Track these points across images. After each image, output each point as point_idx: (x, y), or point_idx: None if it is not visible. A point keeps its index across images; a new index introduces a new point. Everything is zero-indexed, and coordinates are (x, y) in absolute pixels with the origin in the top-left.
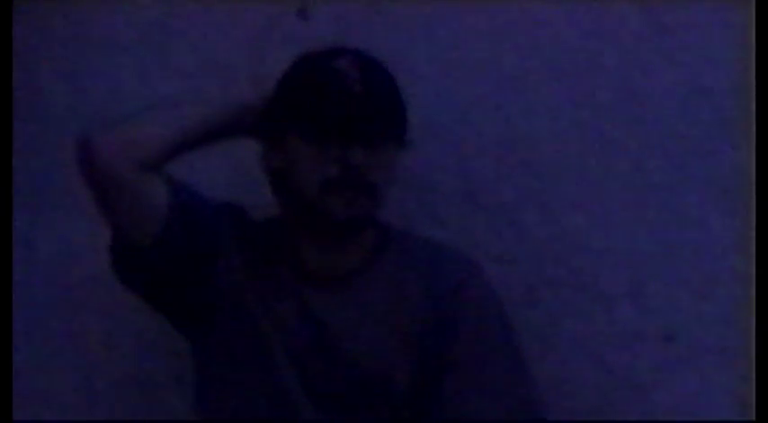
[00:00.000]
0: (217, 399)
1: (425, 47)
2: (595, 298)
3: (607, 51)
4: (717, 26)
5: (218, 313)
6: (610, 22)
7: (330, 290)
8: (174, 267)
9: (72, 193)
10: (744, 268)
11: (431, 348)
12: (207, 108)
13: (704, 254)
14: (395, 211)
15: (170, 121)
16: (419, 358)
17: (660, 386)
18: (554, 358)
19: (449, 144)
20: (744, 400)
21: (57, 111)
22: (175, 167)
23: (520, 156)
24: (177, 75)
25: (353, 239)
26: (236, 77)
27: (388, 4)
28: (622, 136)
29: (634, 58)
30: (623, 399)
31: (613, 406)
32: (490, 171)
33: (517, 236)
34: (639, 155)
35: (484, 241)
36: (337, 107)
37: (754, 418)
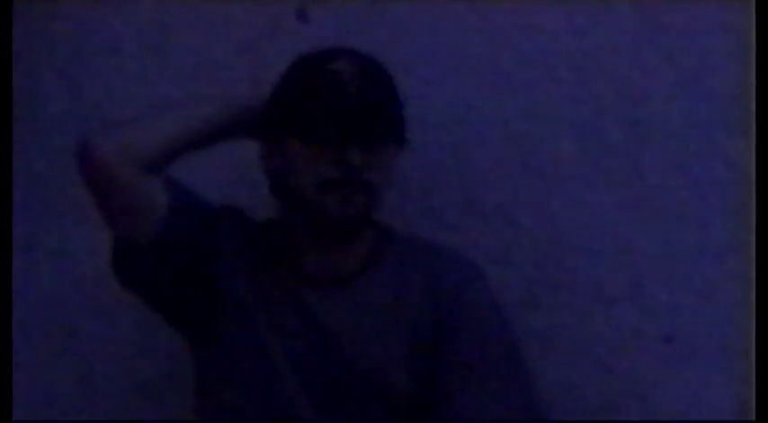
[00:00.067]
0: (216, 400)
1: (425, 48)
2: (595, 299)
3: (606, 52)
4: (716, 26)
5: (218, 315)
6: (608, 22)
7: (330, 292)
8: (173, 269)
9: (73, 195)
10: (744, 269)
11: (430, 351)
12: (206, 110)
13: (704, 255)
14: (394, 213)
15: (169, 124)
16: (418, 360)
17: (660, 387)
18: (554, 360)
19: (448, 145)
20: (744, 401)
21: (57, 112)
22: (175, 169)
23: (519, 157)
24: (177, 76)
25: (353, 241)
26: (236, 79)
27: (388, 5)
28: (621, 137)
29: (633, 58)
30: (623, 400)
31: (613, 407)
32: (489, 172)
33: (516, 237)
34: (639, 156)
35: (483, 243)
36: (335, 108)
37: (754, 418)
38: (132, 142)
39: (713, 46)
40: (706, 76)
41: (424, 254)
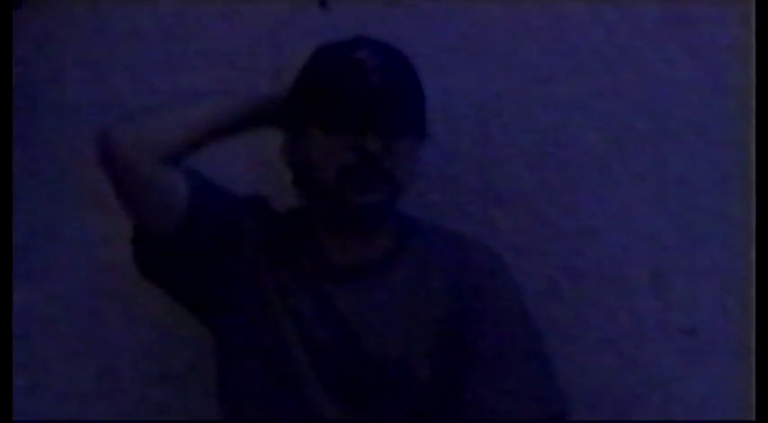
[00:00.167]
0: (236, 390)
1: (447, 39)
2: (617, 290)
3: (629, 44)
4: (739, 19)
5: (238, 306)
6: (632, 15)
7: (352, 283)
8: (194, 260)
9: (95, 185)
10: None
11: (452, 342)
12: (226, 101)
13: (726, 247)
14: (417, 204)
15: (189, 115)
16: (441, 353)
17: (681, 379)
18: (576, 351)
19: (471, 137)
20: None
21: (80, 103)
22: (197, 159)
23: (542, 148)
24: (198, 65)
25: (375, 231)
26: (257, 68)
27: None
28: (645, 129)
29: (657, 51)
30: (644, 391)
31: (635, 398)
32: (513, 164)
33: (539, 228)
34: (662, 147)
35: (506, 234)
36: (356, 97)
37: (754, 418)
38: (152, 134)
39: (737, 39)
40: (730, 68)
41: (447, 245)
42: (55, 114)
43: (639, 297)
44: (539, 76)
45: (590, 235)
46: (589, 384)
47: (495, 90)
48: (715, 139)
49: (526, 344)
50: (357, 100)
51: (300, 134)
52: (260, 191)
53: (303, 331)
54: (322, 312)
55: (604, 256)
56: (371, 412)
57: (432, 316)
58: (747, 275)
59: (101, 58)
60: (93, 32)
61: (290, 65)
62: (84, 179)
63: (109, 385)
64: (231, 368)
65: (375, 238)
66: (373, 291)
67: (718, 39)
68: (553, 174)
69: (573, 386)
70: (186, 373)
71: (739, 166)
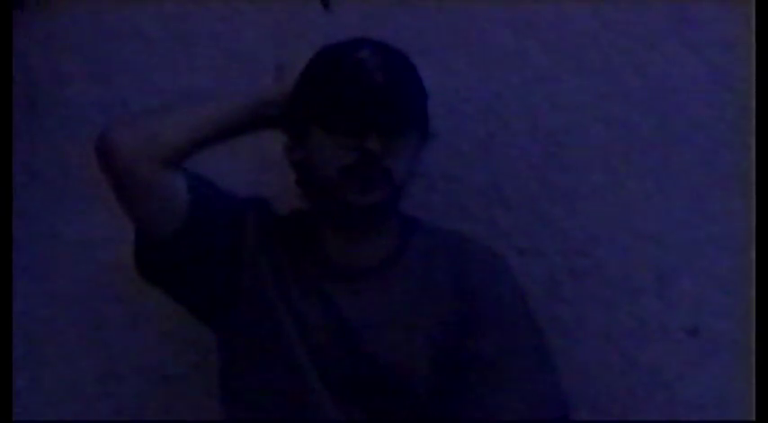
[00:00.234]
0: (239, 390)
1: (450, 38)
2: (620, 291)
3: (632, 44)
4: (741, 18)
5: (240, 307)
6: (634, 14)
7: (354, 284)
8: (196, 262)
9: (97, 185)
10: None
11: (454, 343)
12: (228, 102)
13: (729, 247)
14: (420, 204)
15: (191, 116)
16: (442, 353)
17: (684, 379)
18: (578, 351)
19: (474, 137)
20: None
21: (80, 103)
22: (198, 160)
23: (545, 148)
24: (201, 67)
25: (377, 232)
26: (260, 70)
27: None
28: (647, 128)
29: (661, 50)
30: (647, 392)
31: (638, 399)
32: (515, 164)
33: (542, 228)
34: (665, 147)
35: (509, 234)
36: (357, 97)
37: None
38: (153, 136)
39: (740, 39)
40: (733, 68)
41: (450, 245)
42: (55, 114)
43: (642, 297)
44: (542, 76)
45: (593, 235)
46: (591, 384)
47: (498, 90)
48: (718, 139)
49: (528, 344)
50: (358, 100)
51: (302, 134)
52: (261, 192)
53: (305, 332)
54: (324, 313)
55: (607, 256)
56: (373, 412)
57: (434, 316)
58: (751, 276)
59: (101, 58)
60: (94, 32)
61: (291, 64)
62: (85, 179)
63: (109, 385)
64: (233, 369)
65: (377, 238)
66: (375, 291)
67: (721, 38)
68: (556, 174)
69: (575, 386)
70: (187, 374)
71: (743, 165)
